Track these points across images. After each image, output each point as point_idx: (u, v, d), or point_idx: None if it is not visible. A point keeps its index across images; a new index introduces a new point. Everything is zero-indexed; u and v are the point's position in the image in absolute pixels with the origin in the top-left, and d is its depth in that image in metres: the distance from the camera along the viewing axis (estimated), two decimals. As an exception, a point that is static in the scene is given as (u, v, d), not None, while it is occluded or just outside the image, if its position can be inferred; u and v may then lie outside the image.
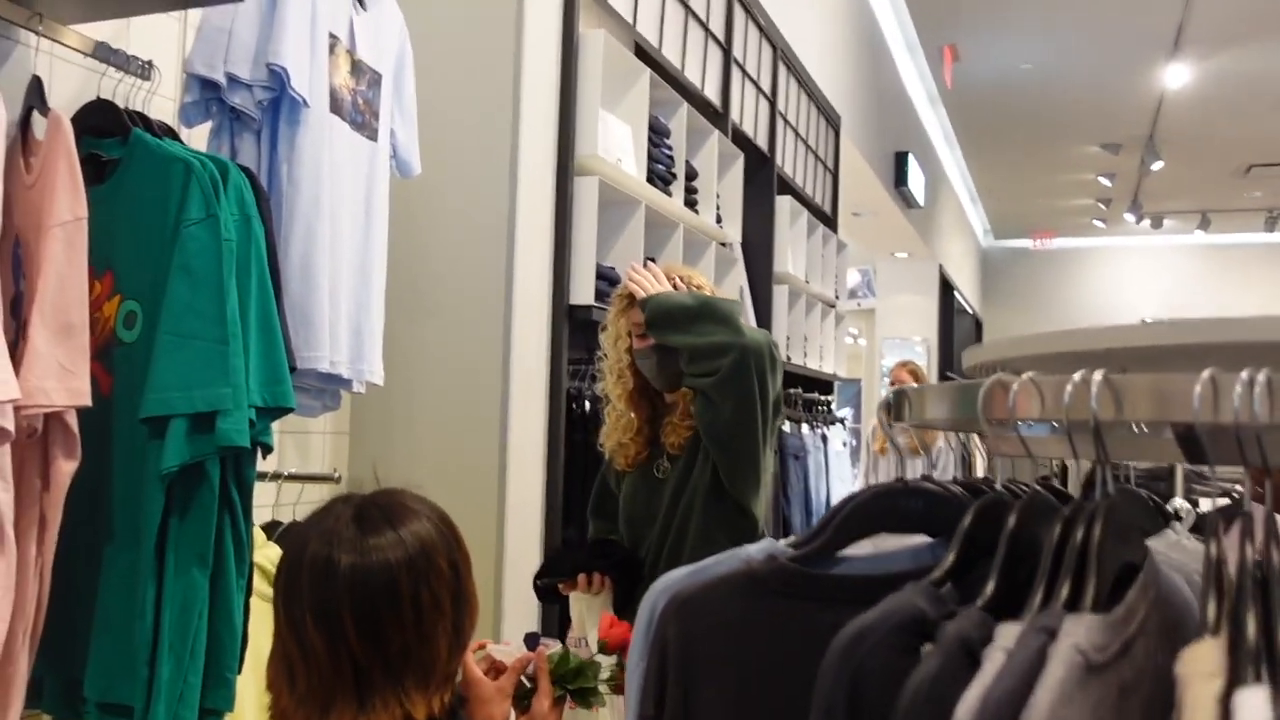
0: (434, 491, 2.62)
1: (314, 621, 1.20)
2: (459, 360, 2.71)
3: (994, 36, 8.44)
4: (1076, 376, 0.81)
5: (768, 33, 4.76)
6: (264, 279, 1.68)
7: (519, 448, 2.71)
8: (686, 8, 3.80)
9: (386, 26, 2.31)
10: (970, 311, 13.87)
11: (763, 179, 4.74)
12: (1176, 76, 8.80)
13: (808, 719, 0.76)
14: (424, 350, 2.73)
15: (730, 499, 2.21)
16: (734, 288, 4.14)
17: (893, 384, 6.17)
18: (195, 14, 2.06)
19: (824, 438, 5.20)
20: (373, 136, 2.24)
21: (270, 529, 2.12)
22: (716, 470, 2.20)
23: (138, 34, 2.03)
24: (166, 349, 1.58)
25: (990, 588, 0.78)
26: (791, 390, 4.92)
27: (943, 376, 9.85)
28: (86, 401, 1.47)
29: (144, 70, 1.87)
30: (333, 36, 2.10)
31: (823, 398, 5.37)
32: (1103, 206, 12.95)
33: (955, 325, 12.15)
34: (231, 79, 1.94)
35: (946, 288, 11.63)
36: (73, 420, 1.48)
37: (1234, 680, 0.60)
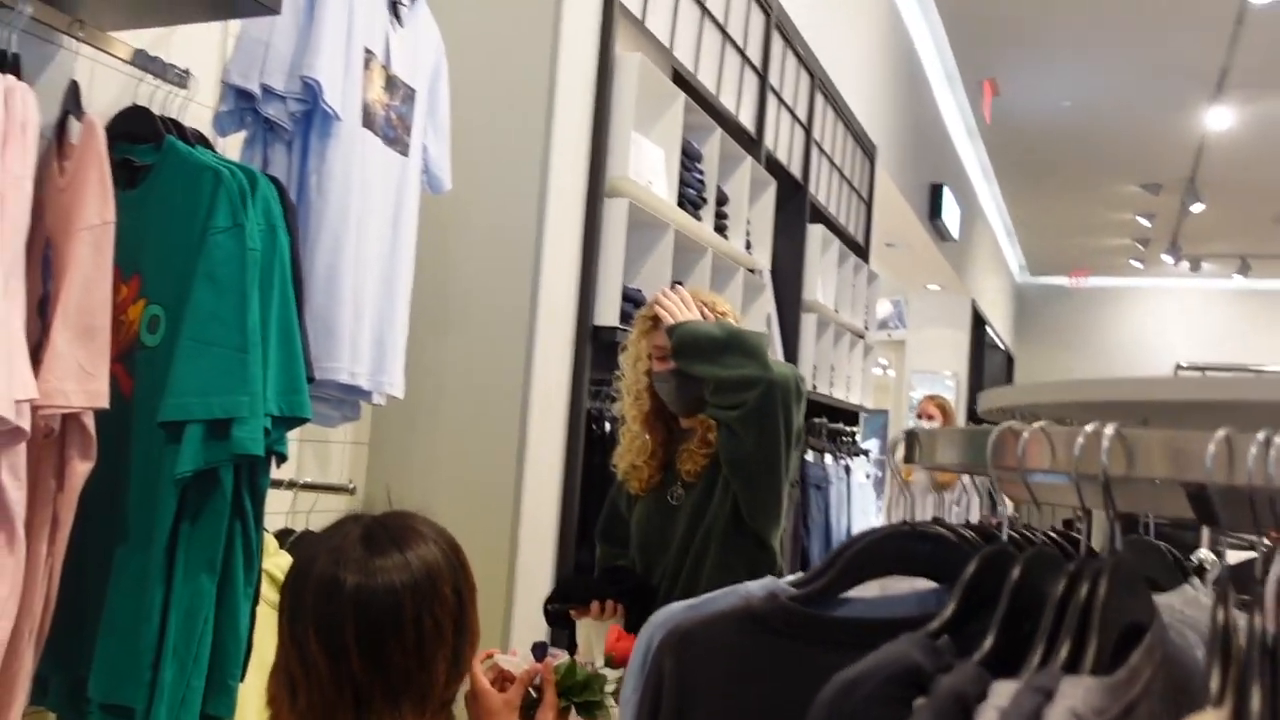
0: (449, 506, 2.62)
1: (317, 639, 1.20)
2: (480, 376, 2.72)
3: (1035, 72, 8.41)
4: (1089, 428, 0.80)
5: (805, 61, 4.76)
6: (286, 289, 1.69)
7: (536, 466, 2.70)
8: (724, 34, 3.81)
9: (423, 43, 2.33)
10: (1002, 347, 13.76)
11: (795, 206, 4.73)
12: (1219, 119, 8.72)
13: (801, 763, 0.75)
14: (446, 365, 2.73)
15: (750, 532, 2.20)
16: (761, 314, 4.13)
17: (919, 417, 6.12)
18: (237, 24, 2.08)
19: (847, 469, 5.17)
20: (404, 151, 2.25)
21: (283, 536, 2.13)
22: (736, 502, 2.19)
23: (180, 41, 2.05)
24: (187, 354, 1.59)
25: (989, 642, 0.77)
26: (816, 420, 4.89)
27: (970, 416, 9.76)
28: (104, 404, 1.48)
29: (181, 78, 1.90)
30: (368, 52, 2.12)
31: (848, 428, 5.34)
32: (1141, 247, 12.84)
33: (986, 360, 12.06)
34: (266, 90, 1.95)
35: (979, 322, 11.55)
36: (90, 422, 1.48)
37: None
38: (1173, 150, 9.67)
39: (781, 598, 1.02)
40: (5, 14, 1.56)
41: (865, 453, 5.66)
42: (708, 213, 3.59)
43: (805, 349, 4.72)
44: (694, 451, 2.25)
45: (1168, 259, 12.73)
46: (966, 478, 4.34)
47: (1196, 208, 10.24)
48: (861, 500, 5.28)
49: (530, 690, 1.60)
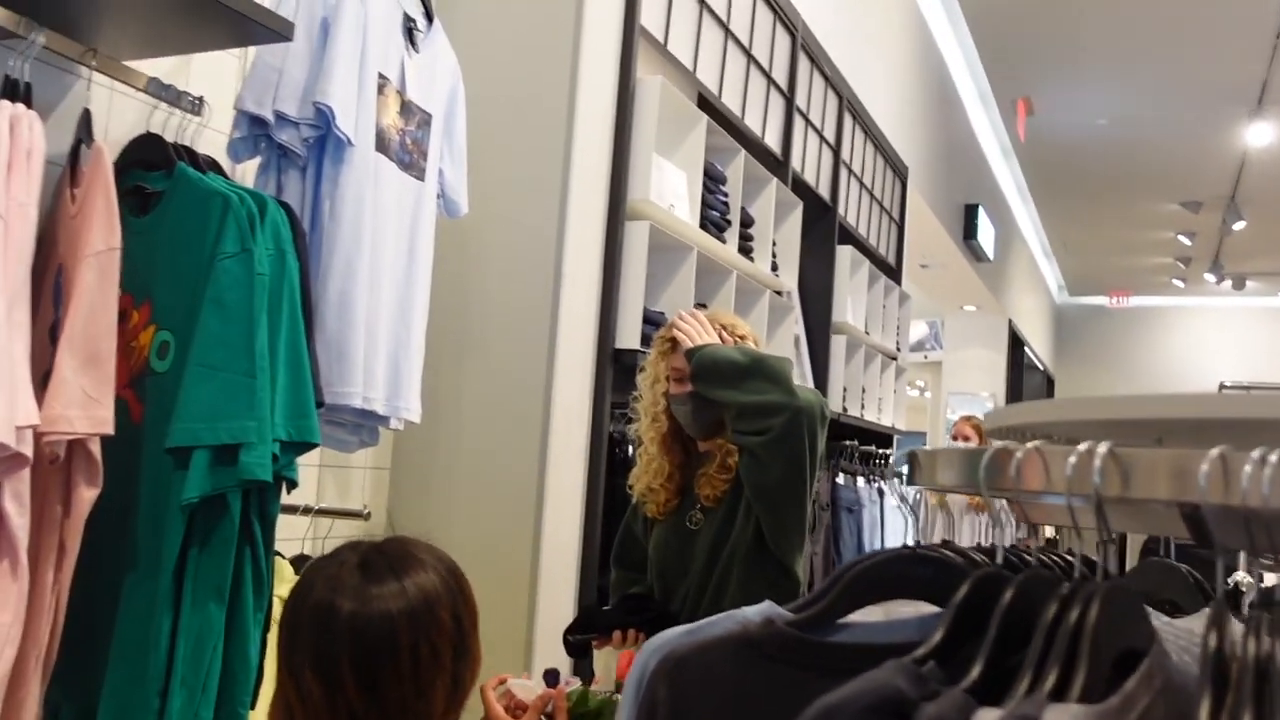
0: (471, 530, 2.63)
1: (312, 667, 1.19)
2: (501, 400, 2.71)
3: (1069, 90, 8.33)
4: (1082, 447, 0.77)
5: (833, 82, 4.74)
6: (295, 314, 1.69)
7: (557, 490, 2.69)
8: (749, 56, 3.80)
9: (439, 67, 2.34)
10: (1041, 368, 13.60)
11: (823, 228, 4.70)
12: (1260, 135, 8.59)
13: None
14: (467, 388, 2.73)
15: (773, 559, 2.17)
16: (787, 337, 4.10)
17: (955, 438, 6.06)
18: (254, 51, 2.10)
19: (880, 491, 5.11)
20: (420, 176, 2.26)
21: (300, 562, 2.13)
22: (759, 528, 2.16)
23: (199, 69, 2.08)
24: (195, 380, 1.59)
25: (977, 669, 0.74)
26: (847, 442, 4.84)
27: (1009, 433, 9.62)
28: (109, 430, 1.48)
29: (194, 106, 1.91)
30: (383, 77, 2.13)
31: (880, 450, 5.28)
32: (1182, 266, 12.65)
33: (1025, 381, 11.92)
34: (279, 116, 1.96)
35: (1016, 343, 11.43)
36: (95, 448, 1.49)
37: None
38: (1213, 167, 9.54)
39: (778, 623, 1.00)
40: (18, 43, 1.58)
41: (900, 475, 5.59)
42: (732, 235, 3.57)
43: (835, 371, 4.68)
44: (713, 476, 2.22)
45: (1210, 278, 12.53)
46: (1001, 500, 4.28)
47: (1238, 225, 10.08)
48: (894, 522, 5.21)
49: (543, 717, 1.59)
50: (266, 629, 1.69)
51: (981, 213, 8.46)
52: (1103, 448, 0.75)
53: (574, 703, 1.64)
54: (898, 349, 5.80)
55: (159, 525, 1.59)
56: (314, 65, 1.99)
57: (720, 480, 2.22)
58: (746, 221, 3.77)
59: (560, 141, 2.75)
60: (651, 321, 2.98)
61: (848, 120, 4.97)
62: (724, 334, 2.28)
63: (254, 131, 2.00)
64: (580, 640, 2.21)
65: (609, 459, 2.87)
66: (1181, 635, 0.90)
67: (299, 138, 1.99)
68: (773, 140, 4.08)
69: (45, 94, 1.75)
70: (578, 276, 2.77)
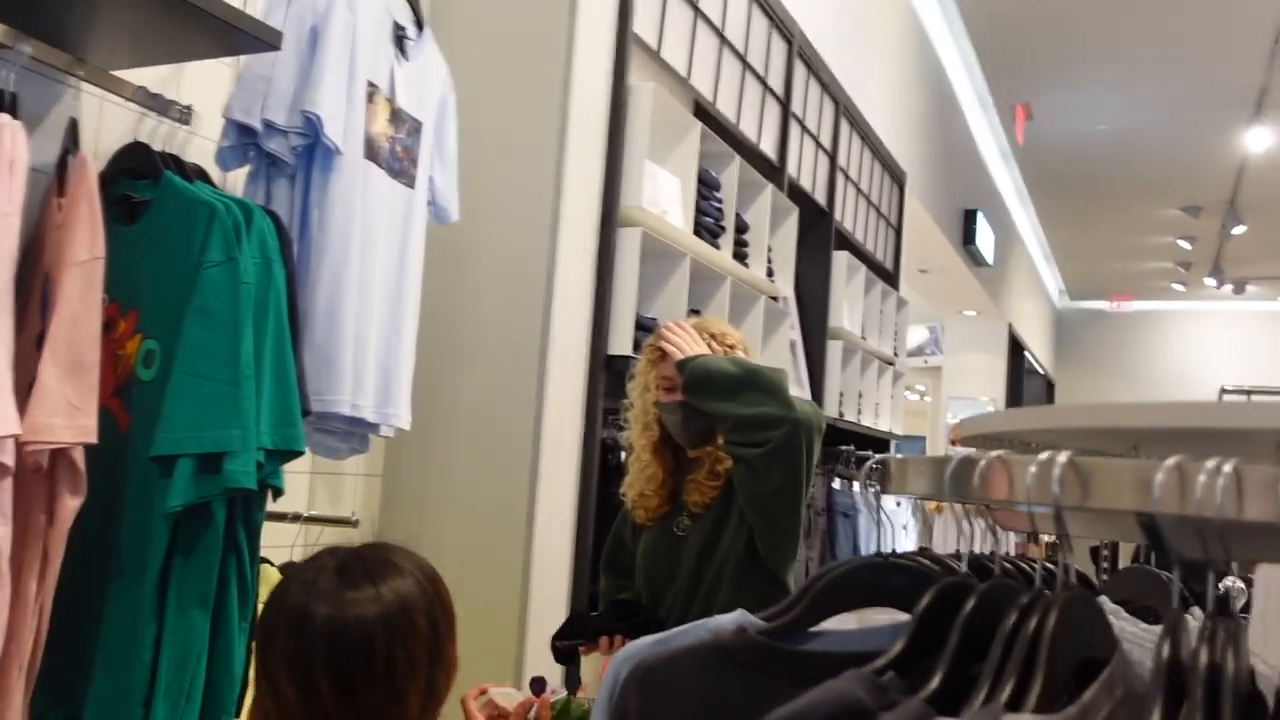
0: (463, 537, 2.63)
1: (288, 672, 1.19)
2: (493, 406, 2.71)
3: (1068, 95, 8.33)
4: (1043, 457, 0.77)
5: (829, 88, 4.75)
6: (281, 322, 1.70)
7: (549, 496, 2.69)
8: (744, 63, 3.81)
9: (429, 75, 2.34)
10: (1042, 372, 13.59)
11: (819, 234, 4.70)
12: (1259, 140, 8.58)
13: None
14: (459, 395, 2.73)
15: (765, 569, 2.17)
16: (783, 342, 4.10)
17: (952, 443, 6.06)
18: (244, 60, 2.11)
19: (876, 495, 5.09)
20: (410, 183, 2.26)
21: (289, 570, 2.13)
22: (751, 538, 2.16)
23: (190, 77, 2.08)
24: (180, 389, 1.60)
25: (937, 679, 0.74)
26: (843, 447, 4.84)
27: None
28: (93, 439, 1.48)
29: (183, 115, 1.92)
30: (372, 85, 2.14)
31: (877, 456, 5.27)
32: (1182, 270, 12.65)
33: (1025, 386, 11.91)
34: (268, 125, 1.97)
35: (1016, 348, 11.42)
36: (79, 457, 1.49)
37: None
38: (1212, 172, 9.54)
39: (750, 631, 1.00)
40: (4, 54, 1.59)
41: (871, 484, 5.56)
42: (726, 241, 3.57)
43: (831, 376, 4.68)
44: (702, 482, 2.22)
45: (1210, 282, 12.52)
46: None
47: (1238, 230, 10.08)
48: (891, 528, 5.20)
49: None
50: (251, 637, 1.69)
51: (981, 218, 8.46)
52: (1062, 457, 0.75)
53: (558, 711, 1.64)
54: (895, 354, 5.80)
55: (143, 534, 1.60)
56: (302, 74, 2.00)
57: (709, 487, 2.22)
58: (741, 227, 3.78)
59: (552, 148, 2.75)
60: (644, 328, 2.98)
61: (844, 126, 4.97)
62: (713, 343, 2.27)
63: (243, 140, 2.00)
64: (567, 646, 2.21)
65: (601, 465, 2.87)
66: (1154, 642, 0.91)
67: (287, 146, 1.99)
68: (768, 146, 4.08)
69: (34, 104, 1.76)
70: (570, 283, 2.77)
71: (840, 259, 4.80)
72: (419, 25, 2.34)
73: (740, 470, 2.14)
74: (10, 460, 1.33)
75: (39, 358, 1.54)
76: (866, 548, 4.85)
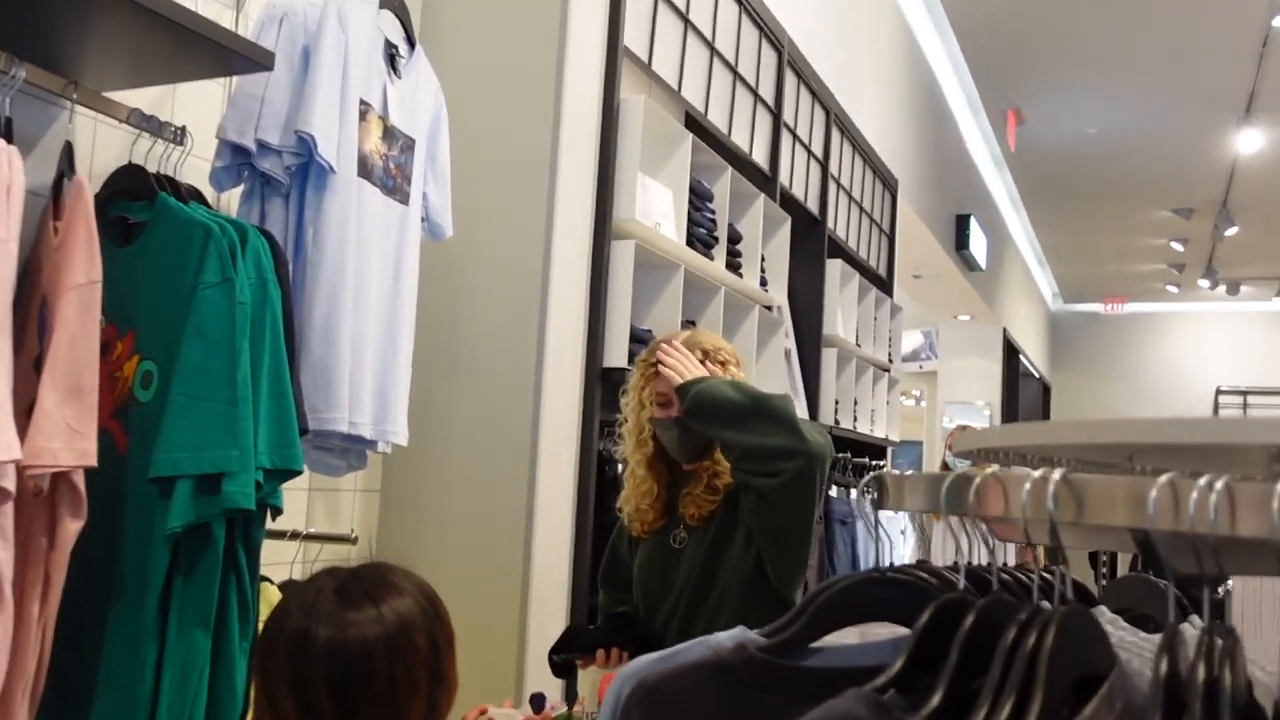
0: (461, 552, 2.63)
1: (289, 694, 1.20)
2: (490, 420, 2.72)
3: (1059, 99, 8.37)
4: (1037, 474, 0.78)
5: (820, 97, 4.77)
6: (278, 342, 1.70)
7: (547, 509, 2.69)
8: (735, 73, 3.82)
9: (422, 92, 2.35)
10: (1037, 376, 13.61)
11: (812, 242, 4.72)
12: (1249, 141, 8.63)
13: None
14: (455, 410, 2.74)
15: (771, 590, 2.17)
16: (777, 351, 4.11)
17: (949, 448, 6.08)
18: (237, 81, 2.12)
19: (874, 509, 5.10)
20: (404, 200, 2.27)
21: (288, 588, 2.13)
22: (759, 559, 2.15)
23: (183, 99, 2.09)
24: (177, 410, 1.60)
25: (938, 696, 0.74)
26: (839, 455, 4.85)
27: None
28: (92, 462, 1.49)
29: (177, 135, 1.93)
30: (364, 103, 2.14)
31: (874, 463, 5.29)
32: (1176, 272, 12.69)
33: (1021, 389, 11.93)
34: (261, 145, 1.98)
35: (1011, 351, 11.45)
36: (80, 480, 1.49)
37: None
38: (1203, 174, 9.58)
39: (750, 648, 1.00)
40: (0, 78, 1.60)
41: (869, 496, 5.57)
42: (719, 251, 3.58)
43: (826, 383, 4.70)
44: (699, 496, 2.22)
45: (1204, 283, 12.57)
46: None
47: (1230, 231, 10.12)
48: (888, 537, 5.21)
49: None
50: (253, 657, 1.69)
51: (973, 222, 8.48)
52: (1056, 474, 0.76)
53: None
54: (890, 360, 5.81)
55: (144, 556, 1.60)
56: (295, 94, 2.01)
57: (707, 500, 2.22)
58: (734, 238, 3.79)
59: (545, 162, 2.76)
60: (639, 340, 2.99)
61: (835, 134, 4.99)
62: (707, 361, 2.25)
63: (237, 160, 2.01)
64: (565, 659, 2.21)
65: (599, 477, 2.87)
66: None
67: (281, 166, 2.00)
68: (760, 156, 4.10)
69: (28, 127, 1.76)
70: (564, 296, 2.78)
71: (834, 266, 4.82)
72: (411, 43, 2.35)
73: (751, 499, 2.12)
74: (11, 485, 1.33)
75: (38, 381, 1.55)
76: (864, 555, 4.86)
